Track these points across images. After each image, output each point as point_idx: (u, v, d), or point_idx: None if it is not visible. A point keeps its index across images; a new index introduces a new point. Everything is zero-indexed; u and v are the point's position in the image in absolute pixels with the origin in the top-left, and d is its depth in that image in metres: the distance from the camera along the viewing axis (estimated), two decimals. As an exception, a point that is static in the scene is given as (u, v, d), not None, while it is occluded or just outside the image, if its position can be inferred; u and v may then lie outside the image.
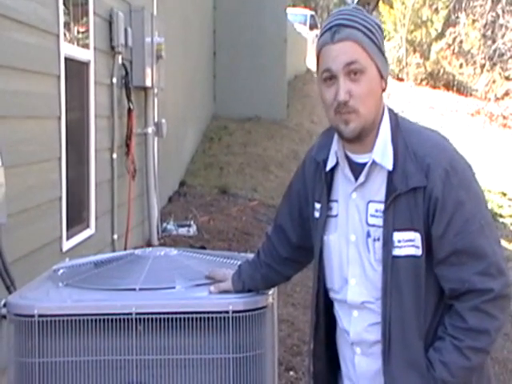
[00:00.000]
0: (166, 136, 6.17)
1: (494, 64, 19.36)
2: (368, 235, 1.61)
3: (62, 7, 3.69)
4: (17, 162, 3.09)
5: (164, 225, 6.36)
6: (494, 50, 19.23)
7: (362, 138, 1.60)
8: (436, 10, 21.09)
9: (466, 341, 1.54)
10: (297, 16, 19.79)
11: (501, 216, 9.90)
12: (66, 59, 3.79)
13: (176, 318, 1.81)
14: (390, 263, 1.56)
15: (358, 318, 1.64)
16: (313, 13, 24.02)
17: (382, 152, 1.59)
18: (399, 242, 1.56)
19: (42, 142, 3.48)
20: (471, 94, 19.61)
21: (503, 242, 7.49)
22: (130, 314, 1.80)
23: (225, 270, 1.96)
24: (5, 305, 1.92)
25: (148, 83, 5.44)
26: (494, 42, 19.49)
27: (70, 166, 3.84)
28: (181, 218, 6.73)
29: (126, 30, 5.01)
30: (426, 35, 20.98)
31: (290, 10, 14.68)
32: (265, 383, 1.90)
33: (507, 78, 19.38)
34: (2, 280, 2.80)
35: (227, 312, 1.81)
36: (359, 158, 1.63)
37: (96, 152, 4.40)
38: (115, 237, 4.86)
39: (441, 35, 20.74)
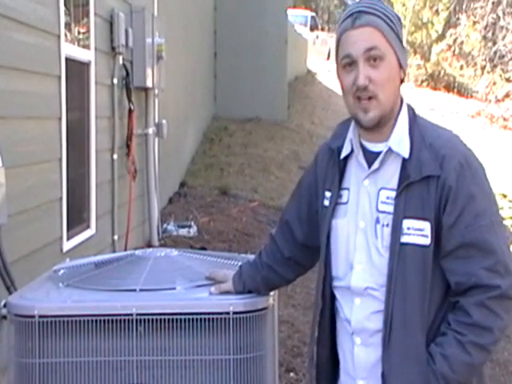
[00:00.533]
0: (166, 137, 6.17)
1: (495, 66, 19.37)
2: (377, 221, 1.61)
3: (62, 7, 3.69)
4: (17, 162, 3.08)
5: (164, 225, 6.35)
6: (495, 52, 19.23)
7: (380, 126, 1.61)
8: (436, 11, 21.10)
9: (468, 336, 1.53)
10: (297, 17, 19.79)
11: (501, 218, 9.89)
12: (67, 59, 3.79)
13: (176, 319, 1.80)
14: (398, 250, 1.56)
15: (360, 305, 1.64)
16: (313, 14, 24.03)
17: (399, 141, 1.61)
18: (408, 229, 1.56)
19: (42, 142, 3.48)
20: (472, 96, 19.61)
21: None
22: (131, 314, 1.80)
23: (225, 271, 1.96)
24: (5, 305, 1.92)
25: (149, 84, 5.44)
26: (494, 43, 19.49)
27: (71, 167, 3.84)
28: (181, 218, 6.73)
29: (126, 31, 5.01)
30: (427, 37, 20.98)
31: (290, 11, 14.68)
32: (265, 384, 1.89)
33: (508, 80, 19.38)
34: (2, 280, 2.80)
35: (228, 313, 1.81)
36: (374, 147, 1.64)
37: (96, 152, 4.40)
38: (115, 237, 4.86)
39: (441, 37, 20.74)
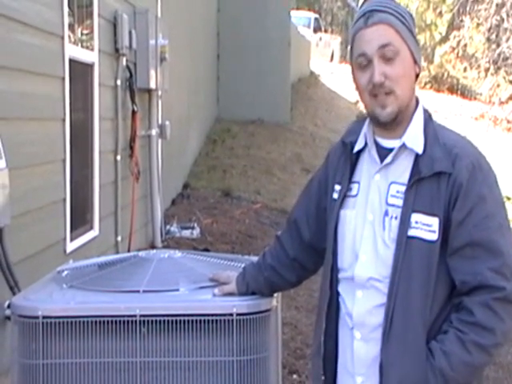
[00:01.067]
0: (169, 138, 6.18)
1: (499, 68, 19.32)
2: (386, 214, 1.61)
3: (66, 9, 3.70)
4: (21, 163, 3.09)
5: (167, 227, 6.36)
6: (499, 54, 19.19)
7: (397, 123, 1.62)
8: (440, 13, 21.08)
9: (470, 334, 1.53)
10: (301, 19, 19.81)
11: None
12: (71, 61, 3.79)
13: (180, 321, 1.80)
14: (404, 242, 1.57)
15: (362, 298, 1.63)
16: (317, 16, 24.03)
17: (414, 137, 1.62)
18: (416, 223, 1.57)
19: (46, 143, 3.48)
20: (475, 98, 19.58)
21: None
22: (134, 316, 1.80)
23: (229, 273, 1.96)
24: (9, 306, 1.93)
25: (152, 85, 5.45)
26: (498, 45, 19.45)
27: (74, 168, 3.85)
28: (184, 220, 6.74)
29: (130, 32, 5.02)
30: (430, 39, 20.96)
31: (293, 13, 14.68)
32: (268, 386, 1.89)
33: (511, 82, 19.34)
34: (6, 281, 2.80)
35: (231, 315, 1.81)
36: (388, 143, 1.65)
37: (100, 154, 4.40)
38: (119, 239, 4.86)
39: (445, 39, 20.71)
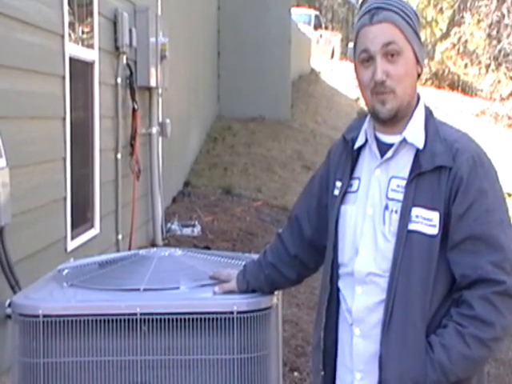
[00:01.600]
0: (170, 136, 6.17)
1: (499, 64, 19.29)
2: (386, 208, 1.62)
3: (66, 7, 3.70)
4: (21, 162, 3.09)
5: (168, 225, 6.36)
6: (500, 50, 19.16)
7: (397, 120, 1.63)
8: (441, 9, 21.05)
9: (469, 328, 1.53)
10: (301, 16, 19.78)
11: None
12: (71, 59, 3.79)
13: (180, 319, 1.81)
14: (405, 236, 1.57)
15: (362, 294, 1.64)
16: (317, 13, 24.01)
17: (414, 133, 1.63)
18: (417, 217, 1.57)
19: (46, 142, 3.48)
20: (476, 94, 19.55)
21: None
22: (135, 314, 1.80)
23: (229, 270, 1.96)
24: (10, 305, 1.92)
25: (152, 83, 5.44)
26: (499, 41, 19.42)
27: (75, 166, 3.85)
28: (185, 218, 6.74)
29: (130, 31, 5.01)
30: (431, 35, 20.94)
31: (294, 10, 14.68)
32: (269, 384, 1.89)
33: (512, 78, 19.31)
34: (6, 280, 2.80)
35: (232, 312, 1.81)
36: (388, 139, 1.66)
37: (100, 152, 4.40)
38: (120, 237, 4.86)
39: (445, 35, 20.69)
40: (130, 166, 5.09)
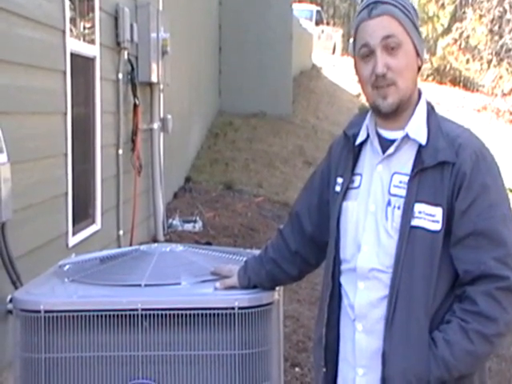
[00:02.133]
0: (171, 132, 6.17)
1: (501, 59, 19.24)
2: (388, 204, 1.61)
3: (67, 2, 3.69)
4: (22, 157, 3.09)
5: (170, 221, 6.36)
6: (501, 46, 19.11)
7: (398, 114, 1.62)
8: (442, 5, 20.99)
9: (473, 323, 1.53)
10: (303, 11, 19.76)
11: None
12: (72, 55, 3.79)
13: (181, 314, 1.81)
14: (407, 232, 1.57)
15: (364, 290, 1.63)
16: (319, 8, 23.98)
17: (417, 128, 1.62)
18: (420, 213, 1.57)
19: (47, 137, 3.48)
20: (478, 90, 19.52)
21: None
22: (136, 309, 1.80)
23: (230, 266, 1.96)
24: (11, 300, 1.93)
25: (154, 79, 5.44)
26: (501, 37, 19.36)
27: (76, 162, 3.85)
28: (186, 213, 6.74)
29: (131, 26, 5.01)
30: (433, 31, 20.89)
31: (295, 6, 14.65)
32: (270, 379, 1.89)
33: (514, 74, 19.26)
34: (8, 275, 2.80)
35: (233, 308, 1.81)
36: (390, 135, 1.65)
37: (102, 148, 4.40)
38: (121, 232, 4.87)
39: (447, 31, 20.63)
40: (131, 162, 5.09)
